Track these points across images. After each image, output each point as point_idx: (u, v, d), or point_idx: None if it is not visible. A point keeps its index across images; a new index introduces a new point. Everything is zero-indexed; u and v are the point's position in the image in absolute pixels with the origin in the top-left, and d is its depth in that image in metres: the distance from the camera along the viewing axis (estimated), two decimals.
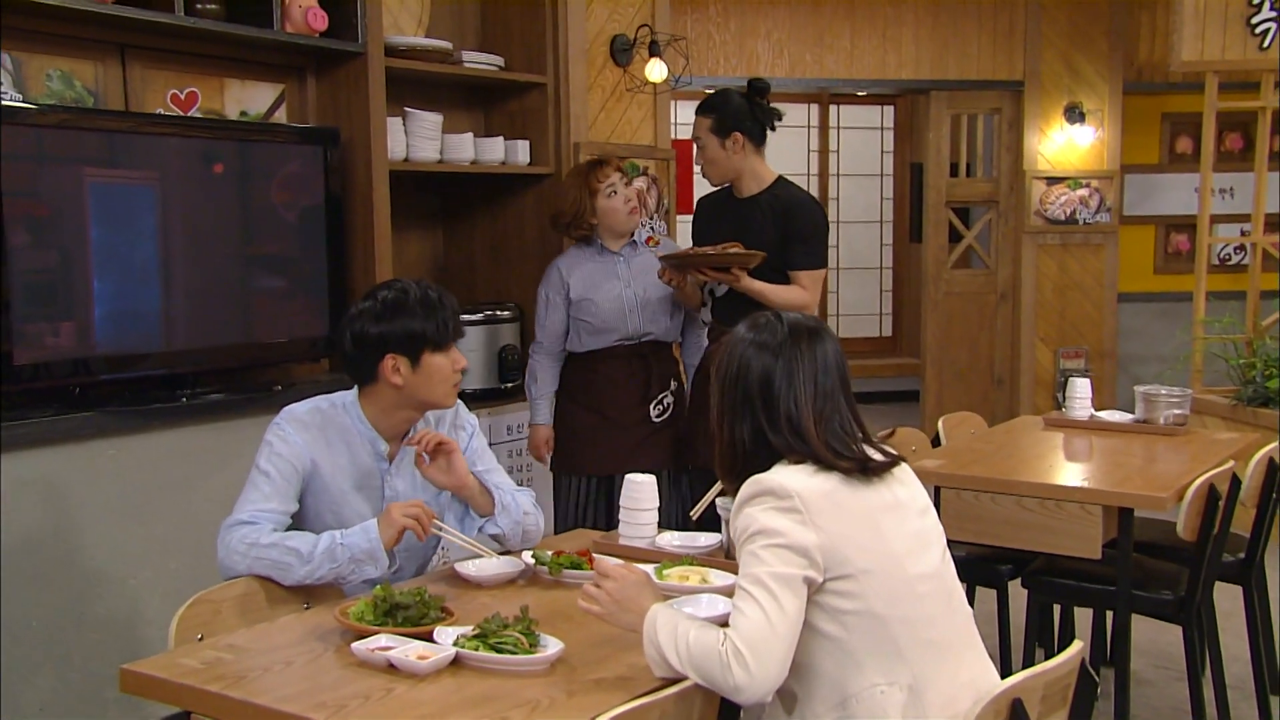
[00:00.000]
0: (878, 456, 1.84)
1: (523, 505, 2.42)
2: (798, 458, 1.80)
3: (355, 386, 2.37)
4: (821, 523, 1.72)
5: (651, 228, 4.26)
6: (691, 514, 2.51)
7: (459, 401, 2.48)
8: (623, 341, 3.56)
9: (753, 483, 1.78)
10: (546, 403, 3.64)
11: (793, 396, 1.82)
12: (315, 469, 2.30)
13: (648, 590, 1.86)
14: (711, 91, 3.47)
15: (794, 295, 3.27)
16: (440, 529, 2.24)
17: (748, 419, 1.84)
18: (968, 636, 1.85)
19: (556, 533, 3.37)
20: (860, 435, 1.86)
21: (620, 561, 2.10)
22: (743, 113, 3.35)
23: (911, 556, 1.78)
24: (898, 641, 1.74)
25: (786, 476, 1.76)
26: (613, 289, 3.55)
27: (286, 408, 2.34)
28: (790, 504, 1.73)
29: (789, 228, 3.31)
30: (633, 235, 3.64)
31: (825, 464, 1.78)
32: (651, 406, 3.56)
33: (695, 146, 3.40)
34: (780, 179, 3.43)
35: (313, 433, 2.31)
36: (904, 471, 1.89)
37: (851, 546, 1.73)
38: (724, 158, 3.36)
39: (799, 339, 1.86)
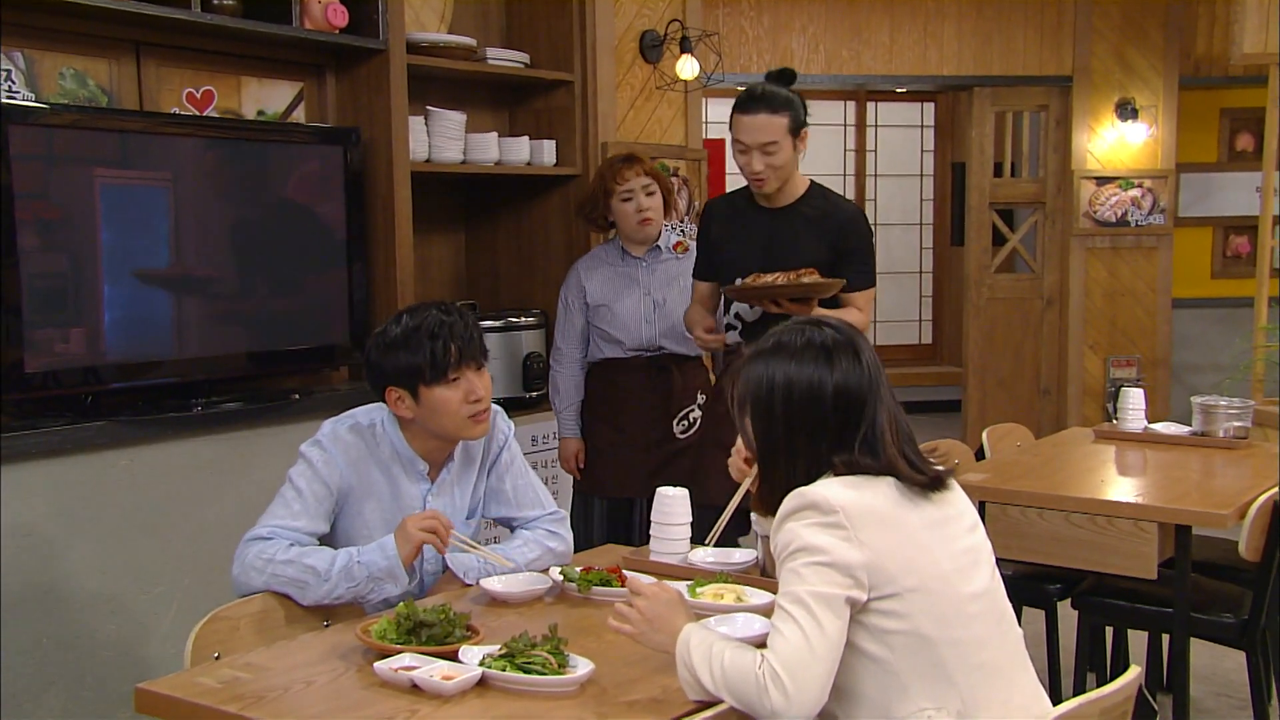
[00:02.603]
0: (928, 466, 1.83)
1: (536, 549, 2.40)
2: (848, 470, 1.77)
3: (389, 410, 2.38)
4: (867, 539, 1.71)
5: (682, 231, 4.17)
6: (707, 542, 2.45)
7: (498, 408, 2.46)
8: (640, 352, 3.53)
9: (796, 495, 1.76)
10: (573, 414, 3.63)
11: (870, 407, 1.79)
12: (350, 492, 2.31)
13: (681, 609, 1.86)
14: (748, 87, 3.17)
15: (854, 319, 3.01)
16: (460, 541, 2.25)
17: (805, 439, 1.80)
18: (1019, 659, 1.84)
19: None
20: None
21: (653, 579, 2.10)
22: (799, 104, 3.13)
23: (961, 575, 1.77)
24: (946, 664, 1.72)
25: (831, 490, 1.74)
26: (631, 296, 3.53)
27: (329, 424, 2.34)
28: (835, 519, 1.71)
29: (842, 244, 3.11)
30: (658, 240, 3.61)
31: (898, 475, 1.76)
32: (675, 422, 3.53)
33: (757, 154, 3.04)
34: (814, 185, 3.22)
35: (354, 454, 2.31)
36: (958, 490, 1.87)
37: (898, 564, 1.71)
38: (791, 161, 3.10)
39: (844, 348, 1.83)
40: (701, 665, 1.72)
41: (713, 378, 3.70)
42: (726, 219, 3.25)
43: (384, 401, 2.33)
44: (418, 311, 2.33)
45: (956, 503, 1.85)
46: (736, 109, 3.10)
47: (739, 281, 3.04)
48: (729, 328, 3.26)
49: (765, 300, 3.04)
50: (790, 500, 1.76)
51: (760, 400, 1.84)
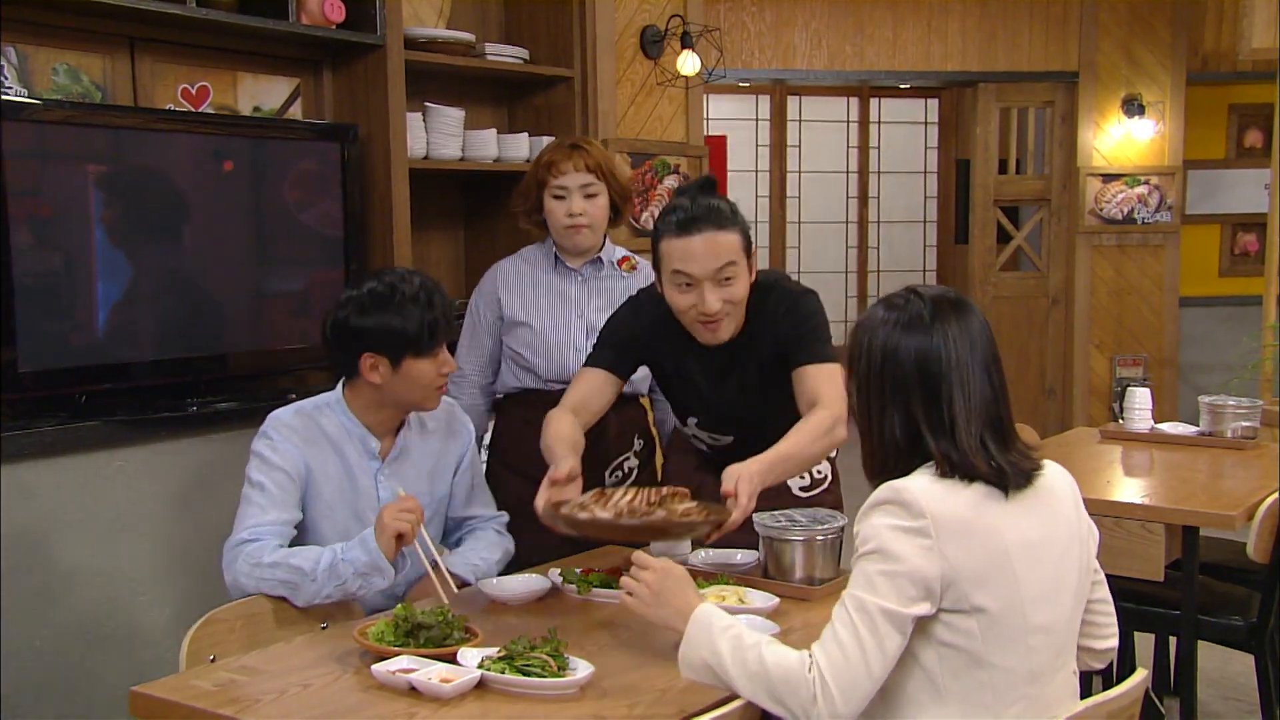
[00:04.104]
0: (1028, 462, 1.75)
1: (498, 550, 2.50)
2: (946, 465, 1.70)
3: (339, 383, 2.41)
4: (950, 552, 1.64)
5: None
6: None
7: (454, 403, 2.53)
8: (563, 385, 2.68)
9: (888, 489, 1.68)
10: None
11: (955, 386, 1.71)
12: (310, 474, 2.33)
13: (690, 587, 1.84)
14: (671, 206, 2.45)
15: (820, 422, 2.36)
16: (421, 541, 2.22)
17: (902, 413, 1.73)
18: (1065, 698, 1.77)
19: None
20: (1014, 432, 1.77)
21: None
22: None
23: (1037, 604, 1.69)
24: (993, 691, 1.68)
25: (925, 490, 1.67)
26: (558, 316, 2.90)
27: (271, 415, 2.37)
28: (921, 525, 1.64)
29: (790, 331, 2.48)
30: (600, 251, 2.96)
31: (982, 478, 1.69)
32: (607, 474, 2.87)
33: (710, 286, 2.36)
34: (756, 283, 2.47)
35: (303, 435, 2.33)
36: (1058, 492, 1.79)
37: (976, 581, 1.65)
38: (748, 290, 2.45)
39: (946, 315, 1.74)
40: (730, 653, 1.69)
41: (652, 417, 3.08)
42: (671, 350, 2.54)
43: (353, 369, 2.32)
44: (394, 275, 2.33)
45: (1062, 524, 1.77)
46: (668, 233, 2.39)
47: (564, 509, 2.16)
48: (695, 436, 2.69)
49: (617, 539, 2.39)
50: (882, 491, 1.69)
51: (854, 360, 1.80)
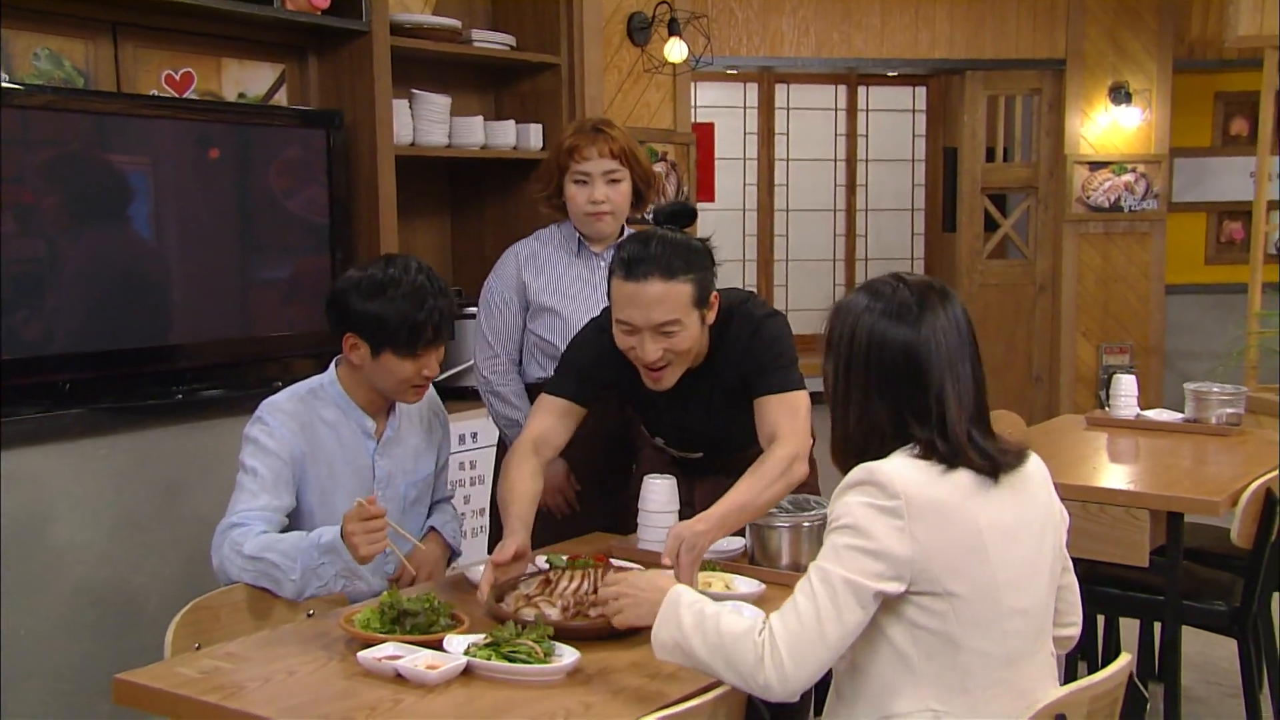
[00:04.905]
0: (1009, 451, 1.74)
1: (455, 524, 2.61)
2: (935, 454, 1.69)
3: (333, 363, 2.41)
4: (922, 534, 1.64)
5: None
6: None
7: (436, 396, 2.54)
8: None
9: (864, 469, 1.68)
10: None
11: (946, 378, 1.70)
12: (304, 459, 2.32)
13: (656, 575, 1.85)
14: (632, 236, 2.39)
15: (777, 464, 2.25)
16: (393, 528, 2.20)
17: (885, 400, 1.71)
18: (1043, 680, 1.78)
19: None
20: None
21: (638, 567, 2.11)
22: (707, 259, 2.32)
23: (1013, 588, 1.69)
24: (968, 672, 1.68)
25: (901, 472, 1.66)
26: (587, 302, 2.80)
27: (265, 400, 2.36)
28: (895, 505, 1.64)
29: (752, 360, 2.38)
30: (621, 234, 2.91)
31: (964, 463, 1.68)
32: (634, 465, 2.83)
33: (650, 336, 2.26)
34: (715, 323, 2.37)
35: (298, 421, 2.33)
36: (1032, 477, 1.79)
37: (947, 567, 1.65)
38: (698, 341, 2.33)
39: (933, 305, 1.73)
40: (693, 626, 1.69)
41: None
42: (625, 361, 2.38)
43: (337, 340, 2.34)
44: (400, 266, 2.31)
45: (1036, 507, 1.77)
46: (616, 271, 2.28)
47: (509, 604, 2.06)
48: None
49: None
50: (857, 472, 1.69)
51: (834, 345, 1.78)
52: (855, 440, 1.75)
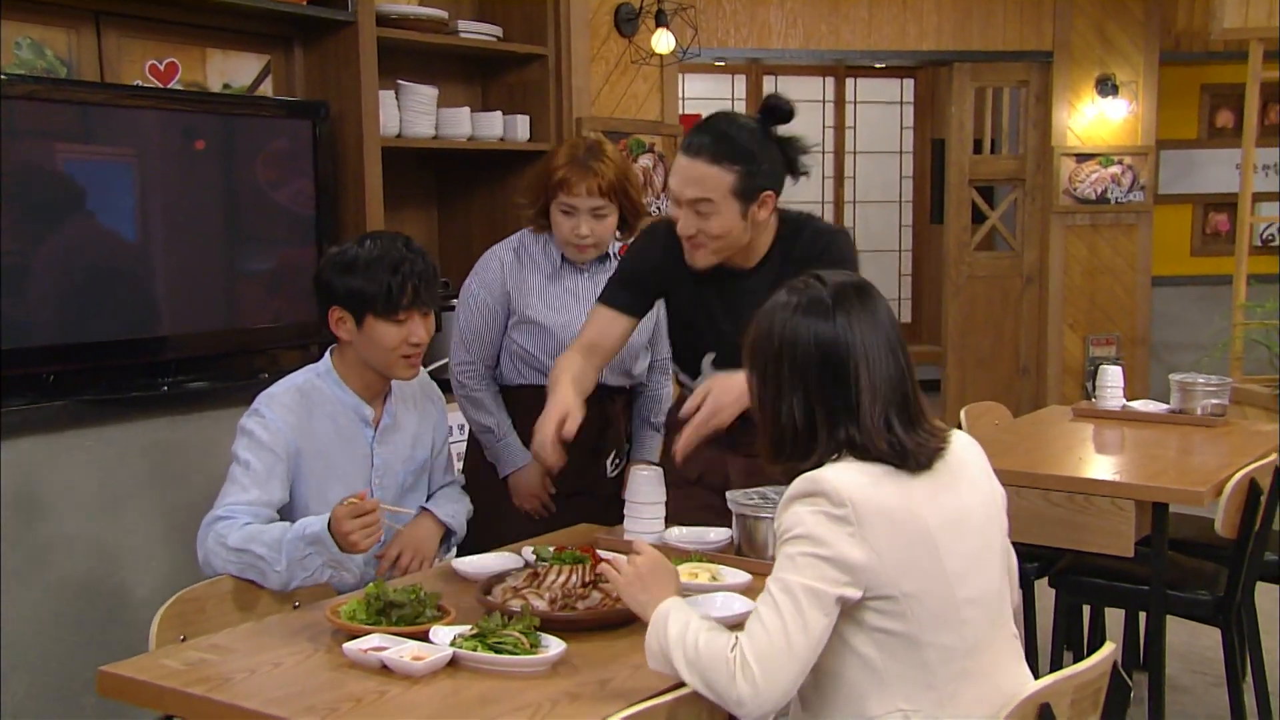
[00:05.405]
0: (934, 440, 1.75)
1: (460, 506, 2.59)
2: (858, 451, 1.71)
3: (328, 351, 2.41)
4: (873, 539, 1.65)
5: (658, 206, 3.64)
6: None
7: (429, 378, 2.53)
8: None
9: (807, 480, 1.69)
10: (516, 436, 2.85)
11: (861, 367, 1.71)
12: (299, 452, 2.31)
13: (672, 581, 1.84)
14: (713, 118, 2.38)
15: None
16: (388, 510, 2.23)
17: (801, 397, 1.73)
18: (1007, 663, 1.80)
19: None
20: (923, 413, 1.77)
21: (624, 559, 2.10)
22: (776, 159, 2.36)
23: (964, 579, 1.71)
24: (930, 667, 1.69)
25: (845, 480, 1.67)
26: (570, 314, 2.82)
27: (263, 392, 2.36)
28: (844, 513, 1.65)
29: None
30: (608, 258, 2.91)
31: (884, 459, 1.69)
32: (609, 462, 2.91)
33: (686, 208, 2.32)
34: (786, 217, 2.47)
35: (295, 414, 2.32)
36: (970, 463, 1.80)
37: (901, 568, 1.66)
38: (738, 230, 2.35)
39: (848, 298, 1.75)
40: (675, 640, 1.70)
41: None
42: (677, 281, 2.48)
43: (325, 320, 2.35)
44: (381, 239, 2.35)
45: (977, 492, 1.79)
46: (683, 139, 2.39)
47: (496, 596, 2.04)
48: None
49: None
50: (802, 483, 1.70)
51: (750, 348, 1.80)
52: (784, 439, 1.76)
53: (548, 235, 2.88)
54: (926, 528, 1.69)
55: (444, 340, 3.12)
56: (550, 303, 2.84)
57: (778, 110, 2.36)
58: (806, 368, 1.73)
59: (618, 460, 2.95)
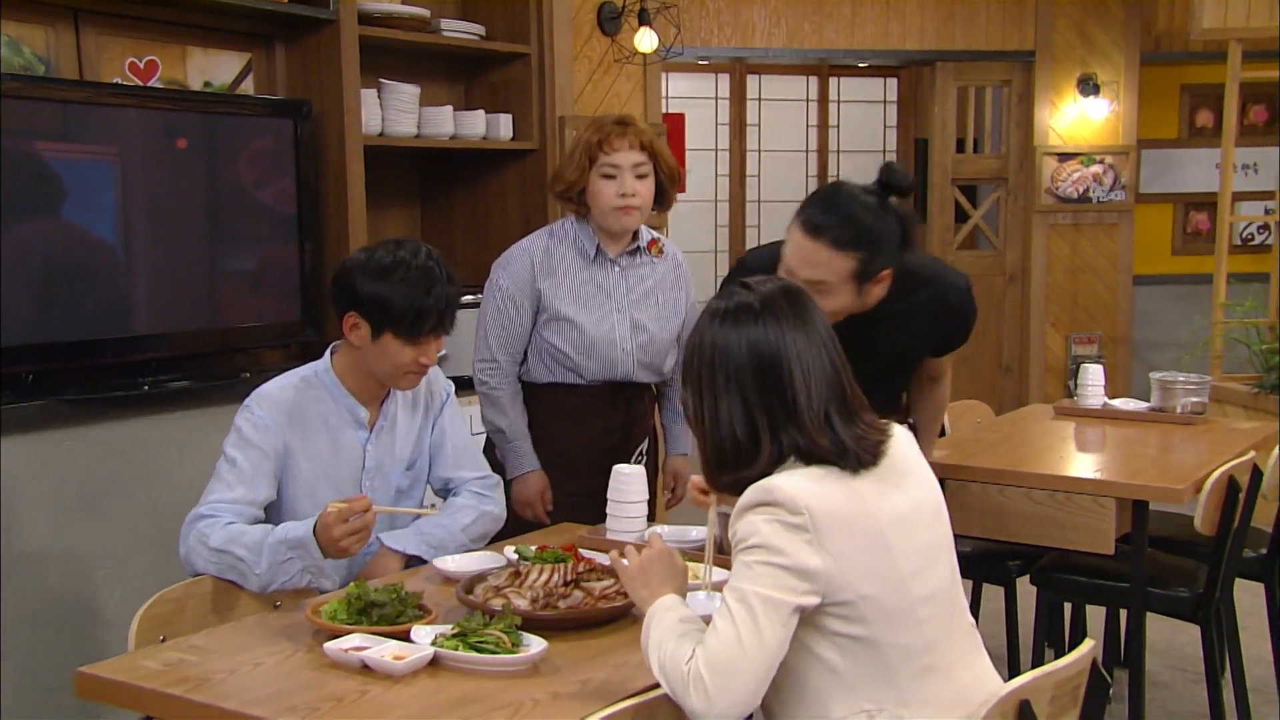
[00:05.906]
0: (874, 433, 1.76)
1: (471, 513, 2.43)
2: (802, 454, 1.71)
3: (329, 350, 2.39)
4: (830, 545, 1.65)
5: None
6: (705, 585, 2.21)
7: (435, 367, 2.46)
8: (605, 381, 2.82)
9: (760, 489, 1.69)
10: (528, 443, 2.85)
11: (794, 366, 1.71)
12: (289, 451, 2.29)
13: (674, 580, 1.84)
14: (827, 187, 2.37)
15: (943, 390, 2.91)
16: (384, 511, 2.22)
17: (739, 403, 1.72)
18: (968, 652, 1.81)
19: None
20: (864, 411, 1.77)
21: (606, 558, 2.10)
22: (894, 234, 2.30)
23: (918, 577, 1.72)
24: (891, 668, 1.70)
25: (799, 487, 1.67)
26: (603, 311, 2.80)
27: (257, 389, 2.33)
28: (800, 521, 1.64)
29: (961, 332, 2.68)
30: (635, 237, 2.86)
31: (828, 459, 1.70)
32: (634, 458, 2.90)
33: (800, 281, 2.12)
34: (907, 277, 2.40)
35: (286, 412, 2.30)
36: (910, 455, 1.81)
37: (857, 572, 1.66)
38: (850, 307, 2.33)
39: (776, 302, 1.75)
40: (654, 647, 1.70)
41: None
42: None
43: (340, 322, 2.31)
44: (415, 253, 2.29)
45: (921, 486, 1.80)
46: (799, 212, 2.31)
47: (477, 595, 2.01)
48: None
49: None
50: (754, 492, 1.69)
51: (685, 364, 1.80)
52: (725, 451, 1.75)
53: (580, 222, 2.84)
54: (879, 528, 1.69)
55: (453, 341, 3.09)
56: (582, 299, 2.79)
57: (898, 184, 2.31)
58: (741, 373, 1.73)
59: (641, 455, 2.95)
